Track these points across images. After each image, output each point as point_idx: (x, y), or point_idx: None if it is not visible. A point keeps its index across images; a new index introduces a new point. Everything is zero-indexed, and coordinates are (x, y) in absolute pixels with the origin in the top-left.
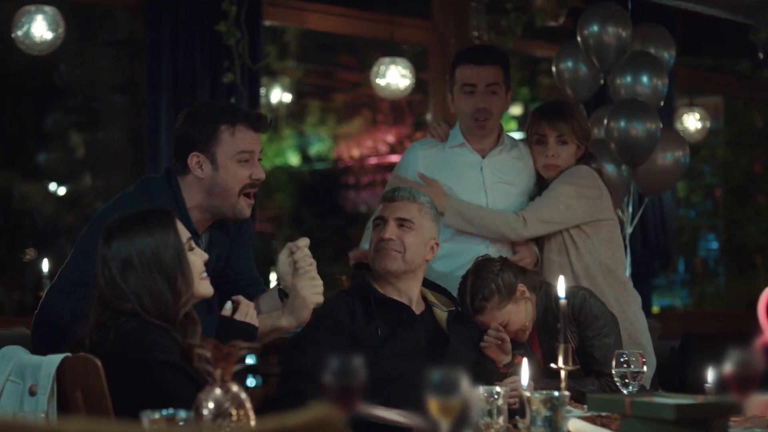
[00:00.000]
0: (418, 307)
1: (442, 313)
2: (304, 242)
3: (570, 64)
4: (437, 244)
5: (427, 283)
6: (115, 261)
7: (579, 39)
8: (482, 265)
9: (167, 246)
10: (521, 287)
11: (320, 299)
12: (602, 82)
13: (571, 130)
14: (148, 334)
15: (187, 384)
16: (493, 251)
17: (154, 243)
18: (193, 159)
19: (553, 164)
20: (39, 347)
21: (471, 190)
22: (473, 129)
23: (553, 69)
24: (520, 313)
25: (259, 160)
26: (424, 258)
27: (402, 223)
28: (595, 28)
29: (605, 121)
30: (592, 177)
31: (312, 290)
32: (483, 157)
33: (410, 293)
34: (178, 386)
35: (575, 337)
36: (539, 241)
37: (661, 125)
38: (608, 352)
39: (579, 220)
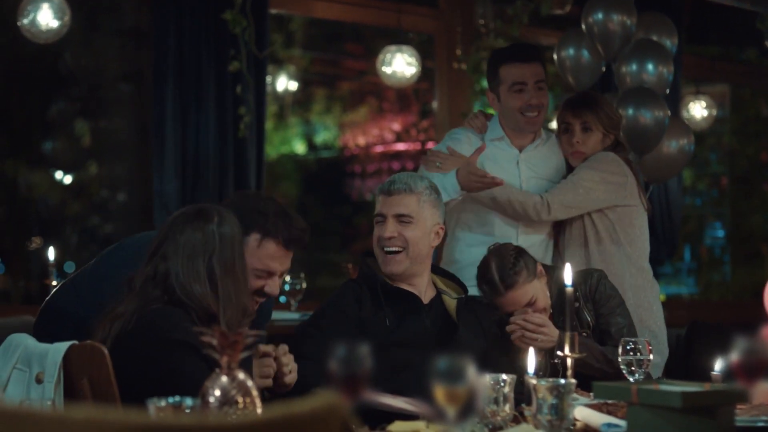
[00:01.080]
0: (427, 295)
1: (451, 301)
2: (283, 349)
3: (572, 51)
4: (442, 228)
5: (437, 270)
6: (218, 260)
7: (584, 27)
8: (500, 248)
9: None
10: (538, 265)
11: (268, 383)
12: (604, 69)
13: (596, 119)
14: (169, 315)
15: (203, 368)
16: (523, 240)
17: (241, 247)
18: None
19: (579, 151)
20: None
21: (506, 183)
22: (523, 126)
23: (555, 57)
24: (543, 290)
25: (281, 275)
26: (430, 246)
27: (401, 219)
28: (600, 15)
29: None
30: (616, 163)
31: (261, 372)
32: (520, 151)
33: (419, 283)
34: (195, 368)
35: (591, 315)
36: (559, 222)
37: (669, 113)
38: (623, 328)
39: (601, 205)
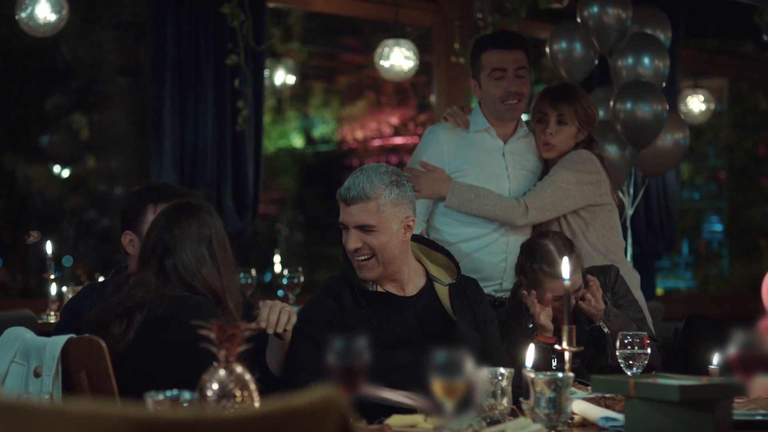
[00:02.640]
0: (413, 285)
1: (442, 288)
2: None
3: (564, 44)
4: (413, 219)
5: (429, 244)
6: (216, 241)
7: (579, 20)
8: (551, 234)
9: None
10: None
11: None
12: (596, 62)
13: (572, 112)
14: (205, 304)
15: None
16: (514, 238)
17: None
18: None
19: (550, 143)
20: None
21: (493, 176)
22: (503, 113)
23: (547, 50)
24: None
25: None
26: (401, 242)
27: (363, 228)
28: (595, 9)
29: (611, 103)
30: (591, 161)
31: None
32: (504, 142)
33: (400, 277)
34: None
35: (610, 305)
36: (536, 226)
37: (667, 107)
38: (640, 320)
39: (578, 206)
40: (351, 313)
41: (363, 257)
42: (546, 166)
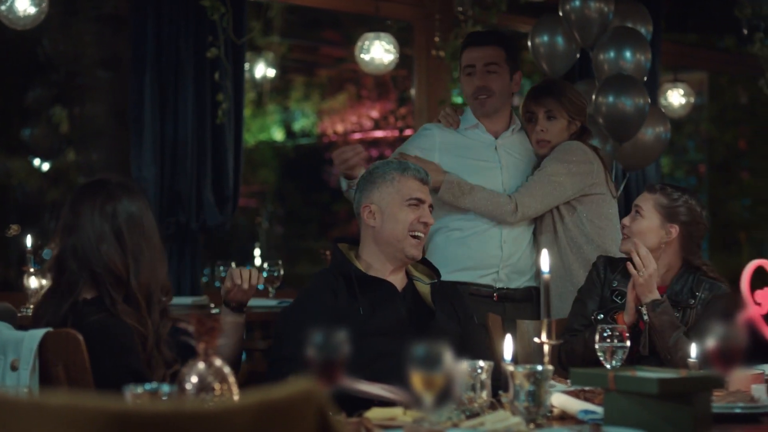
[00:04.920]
0: (401, 282)
1: (424, 287)
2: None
3: (546, 38)
4: None
5: None
6: (123, 218)
7: (561, 13)
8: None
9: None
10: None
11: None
12: (578, 56)
13: (559, 106)
14: (111, 330)
15: None
16: (507, 233)
17: (150, 215)
18: None
19: (544, 139)
20: None
21: (487, 170)
22: (476, 108)
23: (529, 43)
24: (661, 238)
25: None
26: None
27: (431, 207)
28: (577, 2)
29: (593, 97)
30: (581, 151)
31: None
32: (496, 138)
33: (397, 270)
34: None
35: (693, 317)
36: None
37: (649, 100)
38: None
39: (570, 197)
40: (344, 305)
41: (423, 234)
42: (539, 161)
